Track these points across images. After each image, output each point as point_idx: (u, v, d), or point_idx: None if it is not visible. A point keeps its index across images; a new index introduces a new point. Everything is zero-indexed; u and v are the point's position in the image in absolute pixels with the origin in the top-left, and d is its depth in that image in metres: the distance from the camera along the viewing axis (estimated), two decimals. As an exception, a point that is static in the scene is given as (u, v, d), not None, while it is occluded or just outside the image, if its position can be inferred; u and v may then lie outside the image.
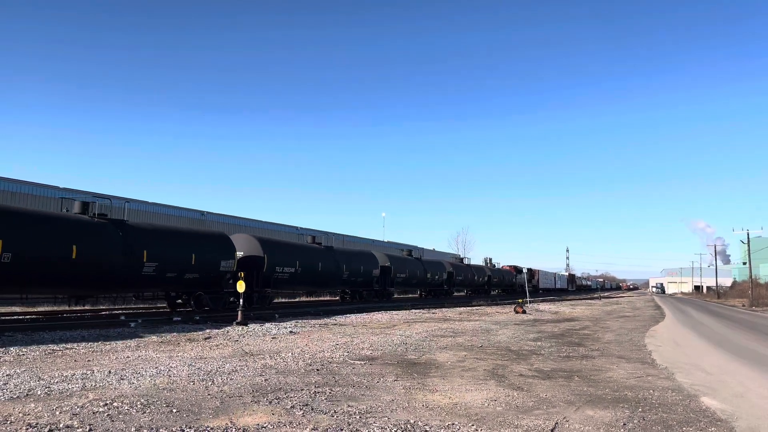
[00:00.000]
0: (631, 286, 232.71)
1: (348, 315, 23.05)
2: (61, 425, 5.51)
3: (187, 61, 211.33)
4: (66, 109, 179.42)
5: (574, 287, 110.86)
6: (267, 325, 17.42)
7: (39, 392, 7.02)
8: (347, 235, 57.12)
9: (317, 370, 9.30)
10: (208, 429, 5.53)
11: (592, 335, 17.37)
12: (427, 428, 5.80)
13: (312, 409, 6.49)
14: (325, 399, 7.06)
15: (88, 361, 9.80)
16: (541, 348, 13.39)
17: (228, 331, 15.28)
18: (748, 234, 63.95)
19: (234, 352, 11.22)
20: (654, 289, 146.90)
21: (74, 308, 22.31)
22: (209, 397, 7.01)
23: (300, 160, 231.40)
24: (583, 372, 9.86)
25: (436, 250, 72.94)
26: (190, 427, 5.56)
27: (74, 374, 8.27)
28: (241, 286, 18.88)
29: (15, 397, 6.76)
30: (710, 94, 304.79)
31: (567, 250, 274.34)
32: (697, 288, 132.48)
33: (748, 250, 63.49)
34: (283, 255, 26.66)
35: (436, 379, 8.72)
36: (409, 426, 5.84)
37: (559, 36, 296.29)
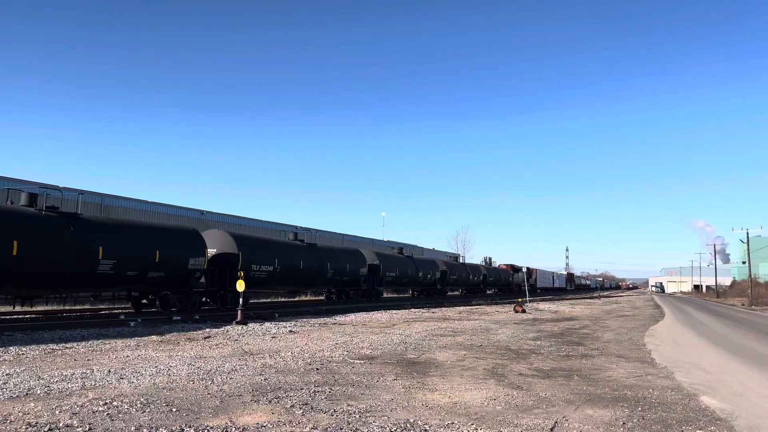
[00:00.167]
0: (630, 286, 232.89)
1: (348, 314, 23.05)
2: (60, 424, 5.51)
3: (187, 61, 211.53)
4: (66, 109, 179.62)
5: (573, 286, 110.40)
6: (267, 324, 17.43)
7: (39, 391, 7.02)
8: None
9: (317, 369, 9.31)
10: (208, 428, 5.54)
11: (591, 334, 17.38)
12: (427, 427, 5.80)
13: (312, 408, 6.49)
14: (325, 398, 7.06)
15: (88, 360, 9.81)
16: (541, 347, 13.39)
17: (227, 331, 15.28)
18: (747, 233, 64.02)
19: (234, 352, 11.22)
20: (653, 289, 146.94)
21: (74, 308, 22.31)
22: (209, 396, 7.01)
23: (300, 160, 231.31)
24: (583, 371, 9.86)
25: (435, 249, 72.94)
26: (189, 427, 5.56)
27: (74, 373, 8.27)
28: (240, 286, 18.89)
29: (15, 396, 6.76)
30: (710, 94, 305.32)
31: (567, 250, 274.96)
32: (697, 287, 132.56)
33: (748, 249, 63.53)
34: (260, 252, 25.32)
35: (435, 379, 8.72)
36: (408, 425, 5.84)
37: (559, 36, 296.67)
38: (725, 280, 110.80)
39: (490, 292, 61.83)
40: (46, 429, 5.35)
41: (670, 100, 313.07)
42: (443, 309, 29.14)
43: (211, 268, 22.78)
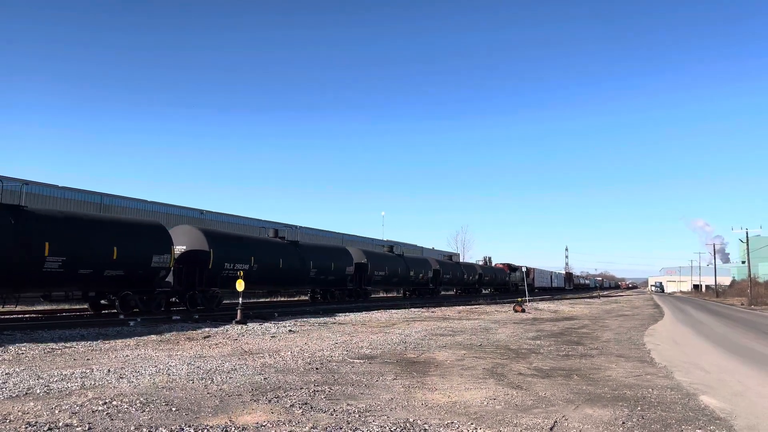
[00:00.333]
0: (630, 285, 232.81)
1: (348, 314, 23.05)
2: (60, 424, 5.51)
3: (187, 61, 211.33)
4: (66, 109, 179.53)
5: (572, 286, 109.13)
6: (266, 324, 17.43)
7: (38, 391, 7.02)
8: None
9: (316, 368, 9.31)
10: (208, 428, 5.53)
11: (591, 334, 17.38)
12: (427, 427, 5.80)
13: (311, 407, 6.49)
14: (325, 398, 7.06)
15: (87, 359, 9.81)
16: (541, 347, 13.40)
17: (227, 330, 15.28)
18: (747, 233, 64.05)
19: (233, 351, 11.22)
20: (653, 288, 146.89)
21: (73, 307, 22.29)
22: (208, 395, 7.01)
23: (300, 160, 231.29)
24: (582, 371, 9.87)
25: (435, 249, 72.95)
26: (189, 426, 5.56)
27: (73, 373, 8.27)
28: (240, 285, 18.89)
29: (14, 395, 6.75)
30: (710, 94, 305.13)
31: (566, 249, 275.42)
32: (696, 287, 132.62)
33: (747, 249, 63.55)
34: (234, 249, 23.86)
35: (435, 378, 8.72)
36: (408, 424, 5.84)
37: (559, 36, 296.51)
38: (725, 280, 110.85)
39: (486, 291, 60.67)
40: (45, 428, 5.35)
41: (670, 100, 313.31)
42: (443, 308, 29.15)
43: (180, 266, 21.47)
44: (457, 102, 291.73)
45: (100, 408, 6.18)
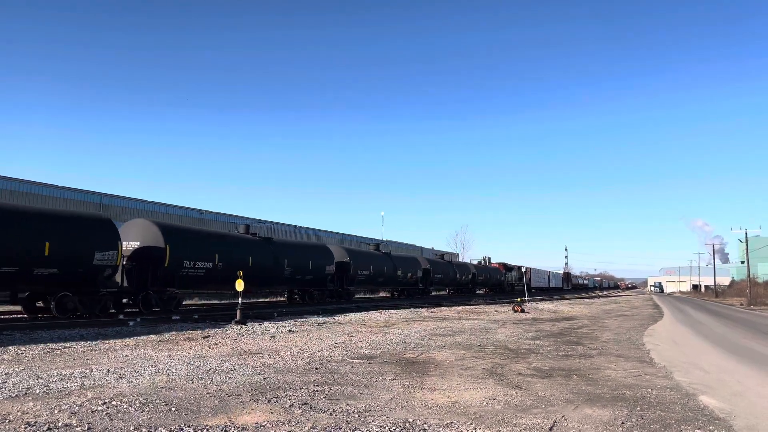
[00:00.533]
0: (629, 285, 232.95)
1: (347, 314, 23.05)
2: (59, 424, 5.51)
3: (187, 61, 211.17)
4: (66, 109, 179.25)
5: (570, 286, 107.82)
6: (266, 323, 17.43)
7: (37, 391, 7.01)
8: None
9: (316, 368, 9.31)
10: (207, 428, 5.53)
11: (590, 334, 17.39)
12: (426, 427, 5.80)
13: (311, 407, 6.49)
14: (324, 398, 7.06)
15: (87, 359, 9.80)
16: (540, 347, 13.40)
17: (227, 330, 15.29)
18: (746, 233, 64.12)
19: (233, 351, 11.22)
20: (652, 288, 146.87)
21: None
22: (208, 395, 7.01)
23: (300, 160, 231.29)
24: (582, 371, 9.87)
25: (435, 249, 72.97)
26: (189, 426, 5.56)
27: (73, 373, 8.26)
28: (240, 285, 18.88)
29: (14, 395, 6.75)
30: (710, 94, 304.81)
31: (566, 249, 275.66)
32: (696, 287, 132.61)
33: (746, 249, 63.62)
34: (195, 246, 21.96)
35: (434, 378, 8.72)
36: (407, 425, 5.84)
37: (559, 36, 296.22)
38: (724, 280, 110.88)
39: (480, 291, 59.15)
40: (45, 428, 5.34)
41: (670, 100, 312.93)
42: (442, 308, 29.17)
43: (132, 264, 19.87)
44: (457, 102, 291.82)
45: (99, 408, 6.18)
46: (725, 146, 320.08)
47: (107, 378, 7.96)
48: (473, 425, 5.92)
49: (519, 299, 34.76)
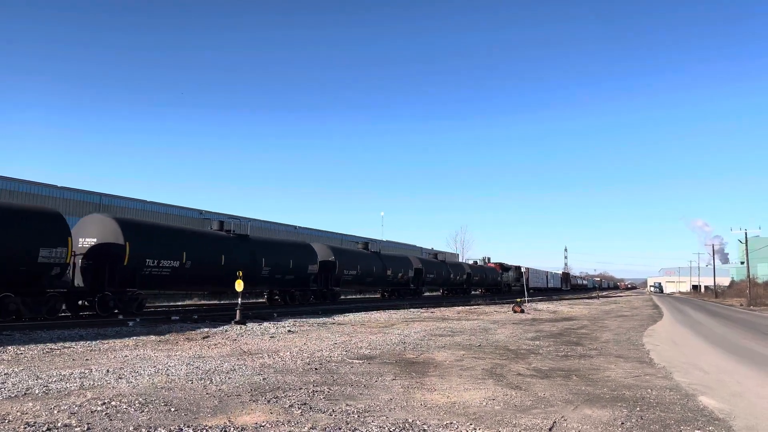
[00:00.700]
0: (629, 286, 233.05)
1: (347, 314, 23.05)
2: (59, 424, 5.50)
3: (188, 61, 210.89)
4: (66, 109, 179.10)
5: (569, 286, 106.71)
6: (265, 324, 17.43)
7: (37, 391, 7.01)
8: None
9: (315, 369, 9.31)
10: (207, 428, 5.53)
11: (590, 334, 17.39)
12: (426, 427, 5.80)
13: (310, 408, 6.49)
14: (324, 398, 7.06)
15: (87, 360, 9.80)
16: (540, 347, 13.40)
17: (226, 330, 15.29)
18: (746, 234, 64.16)
19: (232, 351, 11.22)
20: (652, 289, 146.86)
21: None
22: (207, 396, 7.01)
23: (300, 159, 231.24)
24: (582, 371, 9.87)
25: (434, 249, 72.95)
26: (188, 426, 5.56)
27: (72, 373, 8.26)
28: (239, 285, 18.88)
29: (13, 396, 6.75)
30: (710, 94, 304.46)
31: (565, 250, 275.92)
32: (695, 287, 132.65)
33: (746, 250, 63.67)
34: (159, 243, 20.52)
35: (434, 378, 8.72)
36: (407, 425, 5.84)
37: (559, 36, 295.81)
38: (724, 281, 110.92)
39: (476, 292, 57.90)
40: (44, 429, 5.34)
41: (670, 100, 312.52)
42: (442, 309, 29.20)
43: (88, 263, 18.47)
44: (457, 102, 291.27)
45: (98, 408, 6.18)
46: (725, 146, 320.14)
47: (107, 378, 7.96)
48: (473, 425, 5.92)
49: (519, 299, 34.77)
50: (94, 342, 12.19)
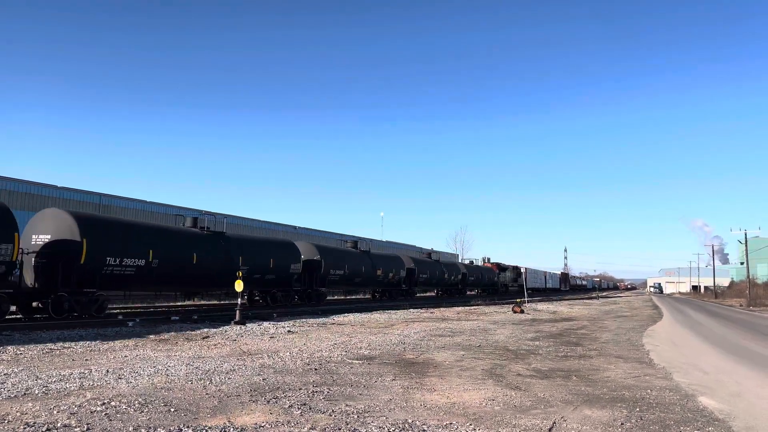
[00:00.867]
0: (628, 286, 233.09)
1: (347, 314, 23.05)
2: (58, 424, 5.50)
3: (188, 61, 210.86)
4: (66, 109, 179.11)
5: (568, 287, 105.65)
6: (265, 324, 17.43)
7: (37, 391, 7.01)
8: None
9: (315, 369, 9.31)
10: (206, 428, 5.53)
11: (589, 335, 17.39)
12: (425, 428, 5.80)
13: (310, 408, 6.49)
14: (323, 398, 7.06)
15: (86, 360, 9.80)
16: (539, 347, 13.40)
17: (226, 331, 15.29)
18: (745, 234, 64.14)
19: (232, 352, 11.22)
20: (652, 289, 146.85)
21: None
22: (207, 396, 7.01)
23: (299, 159, 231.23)
24: (581, 372, 9.87)
25: (434, 250, 72.86)
26: (187, 427, 5.56)
27: (72, 373, 8.26)
28: (239, 285, 18.88)
29: (12, 396, 6.75)
30: (710, 94, 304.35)
31: (565, 250, 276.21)
32: (695, 288, 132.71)
33: (746, 250, 63.65)
34: (121, 240, 19.23)
35: (434, 379, 8.72)
36: (407, 425, 5.84)
37: (559, 36, 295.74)
38: (723, 281, 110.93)
39: (472, 293, 56.78)
40: (44, 429, 5.34)
41: (670, 100, 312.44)
42: (441, 309, 29.23)
43: (41, 261, 17.32)
44: (457, 102, 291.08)
45: (98, 408, 6.18)
46: (725, 146, 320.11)
47: (106, 378, 7.95)
48: (472, 426, 5.92)
49: (519, 300, 34.78)
50: (93, 342, 12.19)
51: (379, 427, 5.73)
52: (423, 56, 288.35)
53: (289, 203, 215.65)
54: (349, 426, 5.75)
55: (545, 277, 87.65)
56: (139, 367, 9.03)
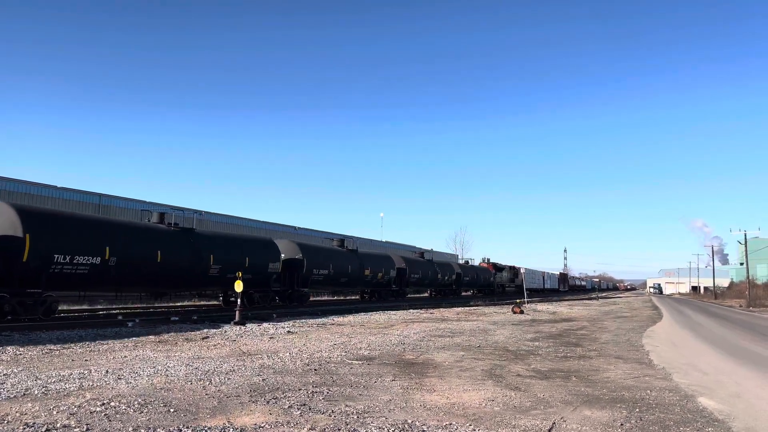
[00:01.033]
0: (628, 287, 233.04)
1: (347, 315, 23.05)
2: (58, 425, 5.50)
3: (188, 61, 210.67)
4: (66, 109, 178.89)
5: (567, 287, 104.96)
6: (265, 324, 17.43)
7: (36, 392, 7.01)
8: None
9: (315, 369, 9.31)
10: (206, 429, 5.53)
11: (589, 335, 17.39)
12: (425, 428, 5.80)
13: (310, 408, 6.49)
14: (323, 399, 7.06)
15: (86, 360, 9.80)
16: (539, 348, 13.41)
17: (225, 331, 15.28)
18: (745, 235, 64.17)
19: (231, 352, 11.22)
20: (651, 290, 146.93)
21: (72, 307, 22.27)
22: (207, 396, 7.01)
23: (299, 159, 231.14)
24: (581, 372, 9.87)
25: (434, 250, 72.94)
26: (187, 427, 5.55)
27: (71, 374, 8.26)
28: (238, 286, 18.87)
29: (12, 396, 6.75)
30: (710, 94, 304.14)
31: (565, 250, 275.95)
32: (695, 288, 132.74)
33: (746, 251, 63.70)
34: (71, 236, 17.57)
35: (433, 379, 8.72)
36: (406, 426, 5.84)
37: (559, 36, 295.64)
38: (723, 282, 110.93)
39: (467, 293, 55.88)
40: (43, 429, 5.34)
41: (670, 100, 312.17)
42: (441, 310, 29.25)
43: None
44: (457, 102, 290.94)
45: (98, 409, 6.18)
46: (725, 146, 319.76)
47: (106, 379, 7.95)
48: (472, 426, 5.92)
49: (518, 300, 34.78)
50: (93, 343, 12.19)
51: (379, 428, 5.73)
52: (423, 56, 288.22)
53: (289, 203, 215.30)
54: (348, 426, 5.75)
55: (543, 277, 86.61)
56: (139, 367, 9.03)
